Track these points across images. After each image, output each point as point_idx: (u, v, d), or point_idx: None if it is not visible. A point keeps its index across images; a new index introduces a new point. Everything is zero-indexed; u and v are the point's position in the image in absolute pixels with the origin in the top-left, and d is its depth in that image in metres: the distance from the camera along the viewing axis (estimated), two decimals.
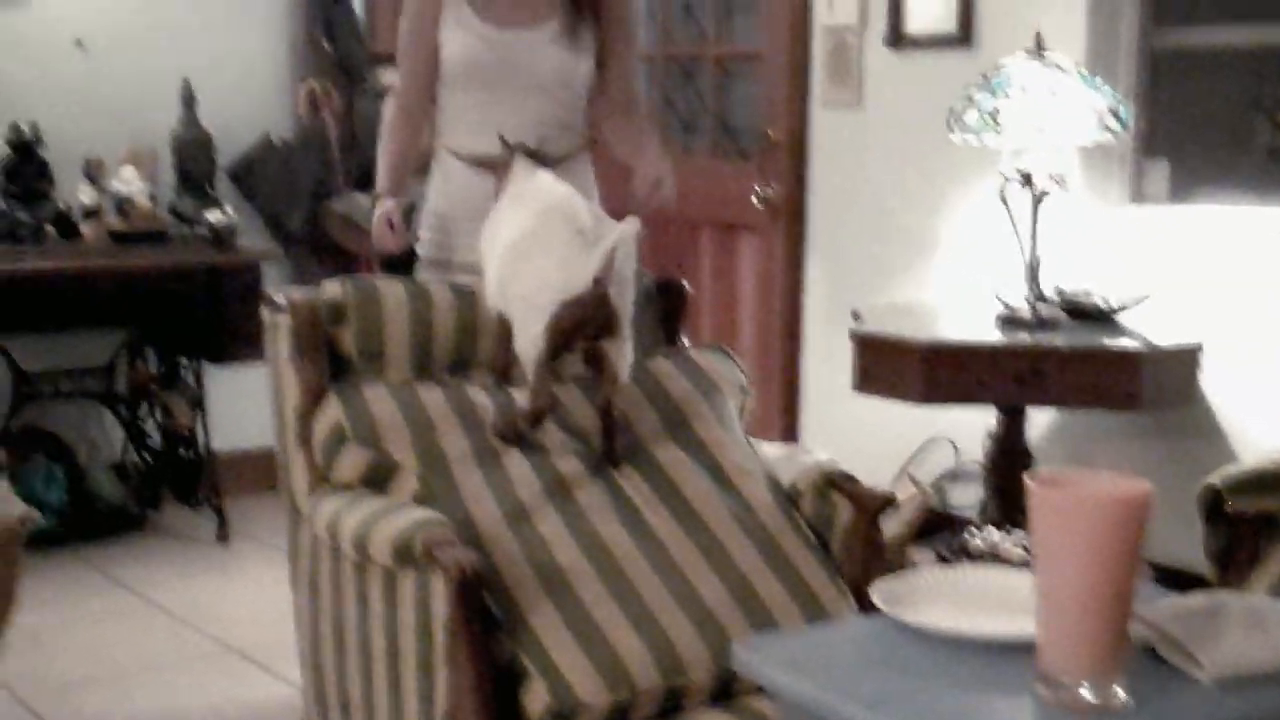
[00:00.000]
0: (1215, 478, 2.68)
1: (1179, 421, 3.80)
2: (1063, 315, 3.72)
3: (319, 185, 5.03)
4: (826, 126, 4.66)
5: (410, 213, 3.30)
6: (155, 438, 4.87)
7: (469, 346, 2.77)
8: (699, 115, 5.28)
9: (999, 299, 3.77)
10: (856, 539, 2.61)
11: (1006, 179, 3.70)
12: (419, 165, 3.39)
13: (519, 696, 2.22)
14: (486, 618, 2.27)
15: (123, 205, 4.63)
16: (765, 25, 4.85)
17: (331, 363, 2.67)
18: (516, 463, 2.54)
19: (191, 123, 4.86)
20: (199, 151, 4.87)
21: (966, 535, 3.77)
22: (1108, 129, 3.60)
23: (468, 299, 2.78)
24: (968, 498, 4.21)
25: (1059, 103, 3.57)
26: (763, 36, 4.87)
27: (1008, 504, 3.72)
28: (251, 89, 5.16)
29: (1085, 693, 1.63)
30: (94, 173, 4.65)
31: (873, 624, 1.94)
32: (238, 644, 3.84)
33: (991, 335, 3.64)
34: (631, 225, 2.48)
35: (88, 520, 4.68)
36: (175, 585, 4.30)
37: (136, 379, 4.80)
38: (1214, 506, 2.67)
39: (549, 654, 2.25)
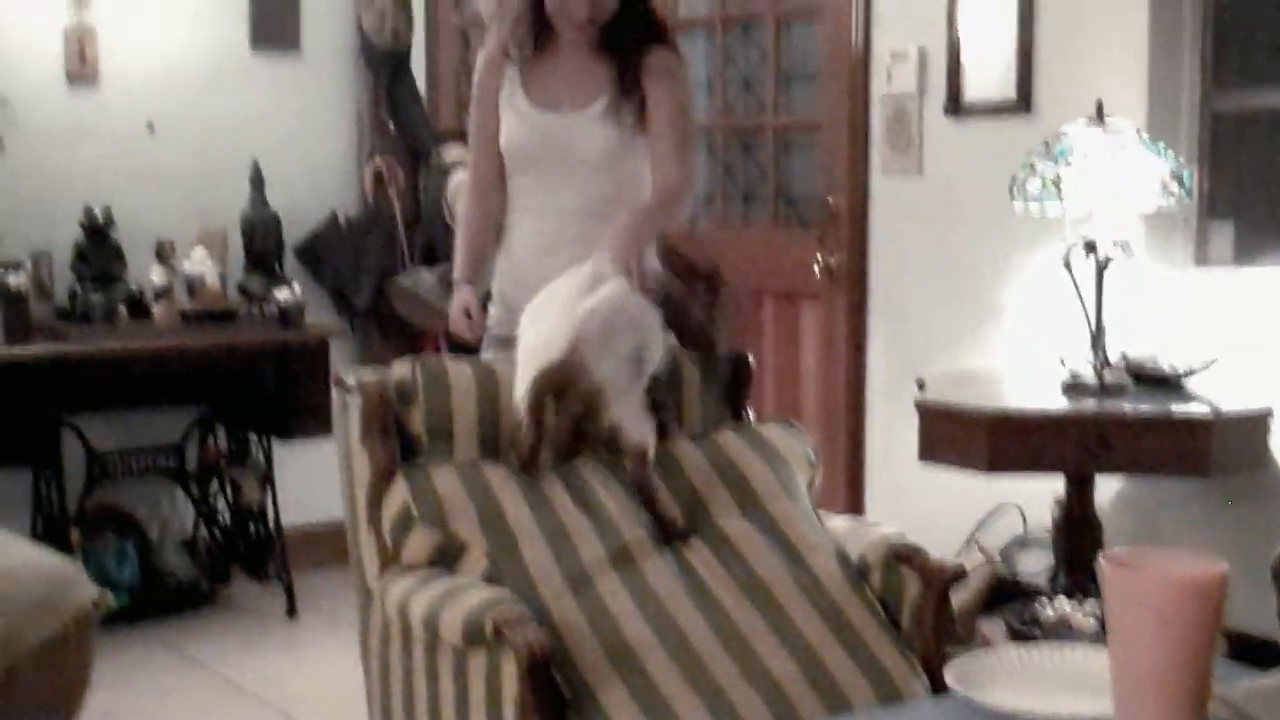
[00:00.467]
0: None
1: (1250, 486, 3.76)
2: (1129, 381, 3.70)
3: (385, 261, 5.08)
4: (887, 194, 4.67)
5: (488, 300, 3.32)
6: (225, 514, 4.92)
7: None
8: (759, 185, 5.31)
9: (1064, 365, 3.75)
10: (926, 612, 2.60)
11: (1070, 245, 3.69)
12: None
13: None
14: (556, 695, 2.28)
15: (193, 285, 4.70)
16: (824, 95, 4.88)
17: (401, 442, 2.70)
18: (584, 538, 2.56)
19: (260, 203, 4.94)
20: (267, 231, 4.94)
21: (1037, 605, 3.73)
22: (1170, 194, 3.59)
23: None
24: (1037, 566, 4.16)
25: (1121, 169, 3.57)
26: (822, 106, 4.90)
27: (1077, 572, 3.68)
28: (318, 168, 5.24)
29: None
30: (165, 254, 4.71)
31: (946, 705, 1.93)
32: (307, 719, 3.85)
33: (1057, 403, 3.62)
34: (616, 289, 2.54)
35: (158, 596, 4.72)
36: (245, 660, 4.33)
37: (207, 456, 4.86)
38: None
39: None
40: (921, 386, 3.82)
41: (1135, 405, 3.54)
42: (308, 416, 4.58)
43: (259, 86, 5.13)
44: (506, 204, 3.25)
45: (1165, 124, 3.95)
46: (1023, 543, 4.24)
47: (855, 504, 4.74)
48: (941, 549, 2.75)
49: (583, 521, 2.60)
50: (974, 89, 4.36)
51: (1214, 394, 3.61)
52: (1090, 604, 3.58)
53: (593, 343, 2.56)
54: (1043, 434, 3.51)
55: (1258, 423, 3.59)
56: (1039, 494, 3.95)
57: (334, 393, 2.81)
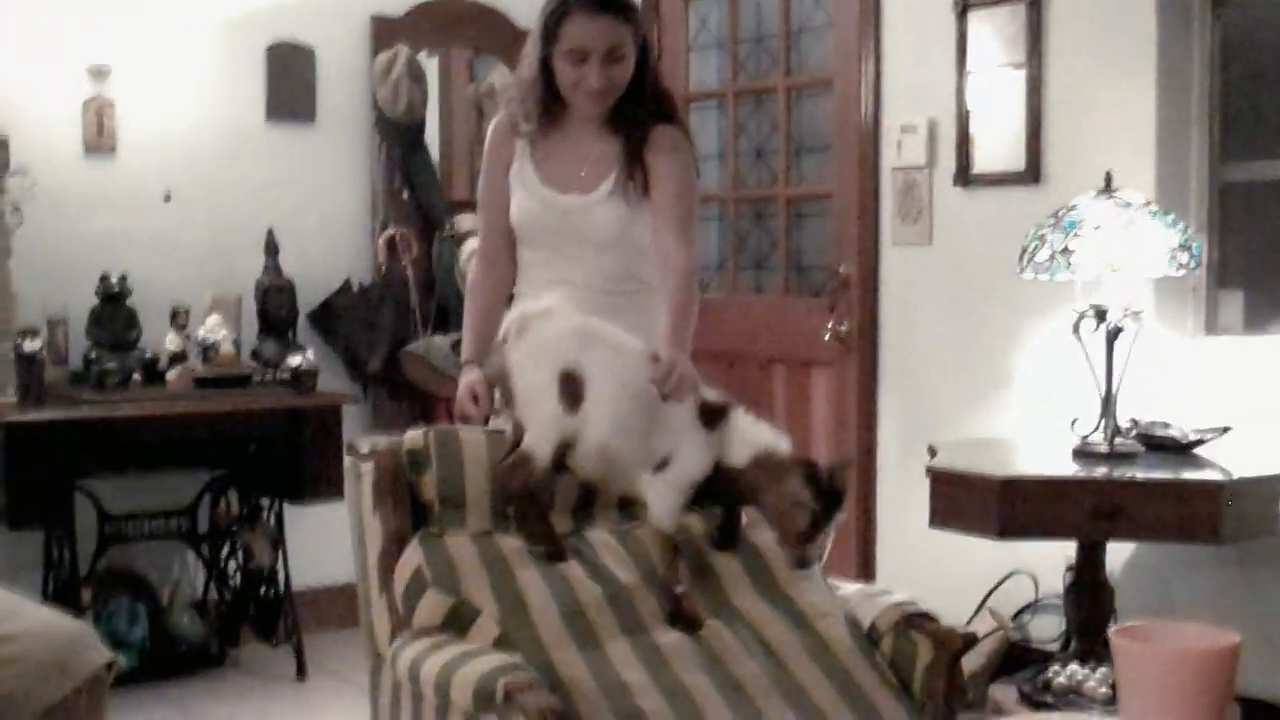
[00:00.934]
0: None
1: (1262, 552, 3.75)
2: (1140, 448, 3.70)
3: (398, 328, 5.12)
4: (897, 264, 4.70)
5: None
6: (235, 576, 4.92)
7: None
8: (770, 254, 5.35)
9: (1075, 432, 3.76)
10: (937, 678, 2.59)
11: (1080, 314, 3.71)
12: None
13: None
14: None
15: (207, 351, 4.72)
16: (835, 166, 4.93)
17: (412, 509, 2.71)
18: (596, 607, 2.56)
19: (274, 270, 4.98)
20: (281, 298, 4.97)
21: (1049, 671, 3.72)
22: (1180, 264, 3.61)
23: None
24: (1048, 632, 4.16)
25: (1131, 239, 3.59)
26: (833, 177, 4.94)
27: (1089, 638, 3.67)
28: (332, 236, 5.28)
29: None
30: (179, 320, 4.75)
31: None
32: None
33: (1068, 469, 3.62)
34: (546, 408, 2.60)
35: (169, 658, 4.72)
36: None
37: (218, 519, 4.87)
38: None
39: None
40: (933, 453, 3.83)
41: (1146, 471, 3.54)
42: (319, 480, 4.59)
43: (274, 156, 5.18)
44: (517, 274, 3.27)
45: (1174, 195, 3.98)
46: (1034, 608, 4.23)
47: (867, 570, 4.74)
48: (953, 615, 2.75)
49: (595, 590, 2.60)
50: (983, 160, 4.40)
51: (1225, 460, 3.61)
52: (1102, 670, 3.57)
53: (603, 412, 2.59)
54: (1053, 500, 3.51)
55: (1269, 488, 3.60)
56: (1051, 559, 3.95)
57: (346, 459, 2.82)
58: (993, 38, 4.34)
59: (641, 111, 3.10)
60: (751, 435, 2.60)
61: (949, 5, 4.44)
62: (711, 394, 2.66)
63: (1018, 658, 4.12)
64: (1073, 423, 3.77)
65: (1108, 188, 3.69)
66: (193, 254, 5.00)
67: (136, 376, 4.66)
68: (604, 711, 2.36)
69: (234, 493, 4.90)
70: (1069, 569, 3.78)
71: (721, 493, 2.65)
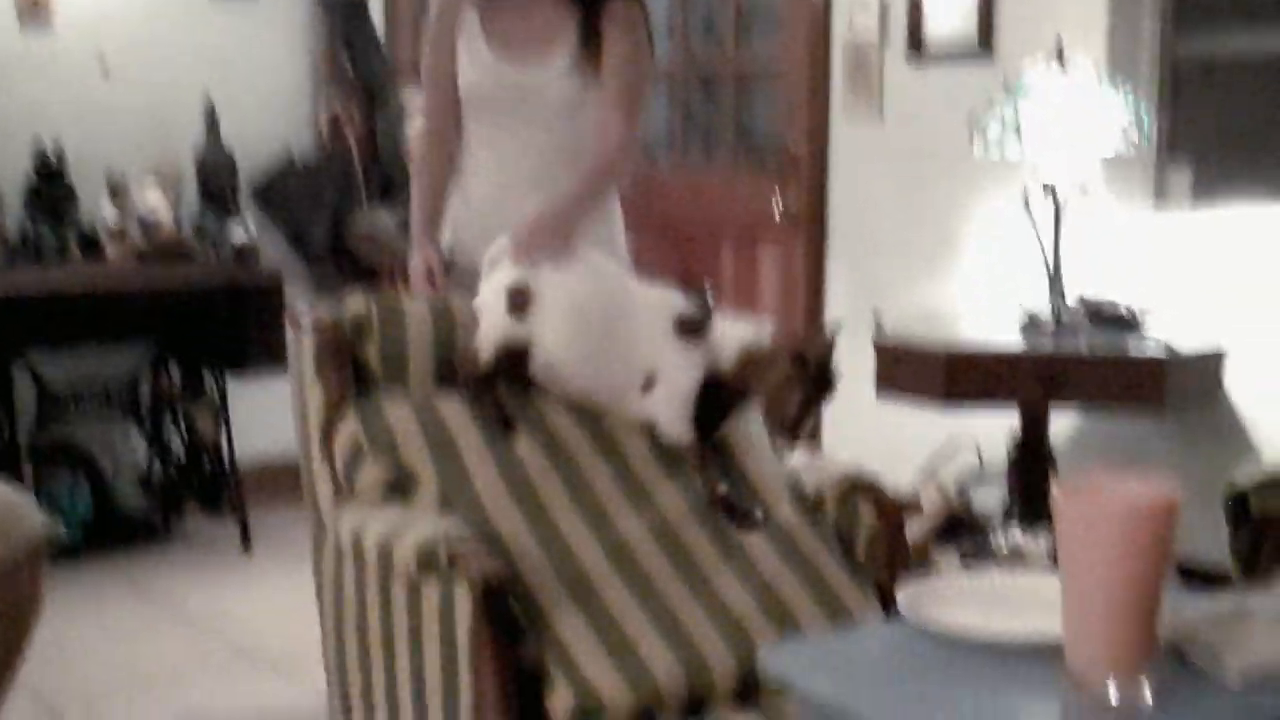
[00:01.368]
0: (1240, 479, 2.68)
1: (1203, 424, 3.79)
2: (1086, 321, 3.72)
3: (341, 202, 5.06)
4: (847, 139, 4.66)
5: (452, 265, 3.27)
6: (179, 450, 4.90)
7: None
8: (719, 129, 5.29)
9: (1022, 306, 3.76)
10: (881, 543, 2.62)
11: (1029, 188, 3.70)
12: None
13: (543, 700, 2.23)
14: (511, 623, 2.28)
15: (147, 224, 4.66)
16: (785, 40, 4.86)
17: (355, 377, 2.68)
18: (539, 469, 2.55)
19: (214, 142, 4.90)
20: (222, 170, 4.90)
21: (991, 537, 3.76)
22: (1129, 137, 3.60)
23: None
24: (991, 500, 4.20)
25: (1081, 112, 3.57)
26: (783, 51, 4.88)
27: (1031, 506, 3.71)
28: (273, 108, 5.19)
29: (1111, 694, 1.63)
30: (118, 193, 4.68)
31: (897, 628, 1.94)
32: (262, 652, 3.85)
33: (1014, 340, 3.64)
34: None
35: (112, 531, 4.71)
36: (199, 594, 4.33)
37: (160, 392, 4.83)
38: (1239, 508, 2.66)
39: (573, 658, 2.26)
40: (880, 325, 3.83)
41: (1091, 344, 3.56)
42: (262, 353, 4.55)
43: (214, 27, 5.07)
44: (463, 148, 3.21)
45: (1125, 66, 3.95)
46: (979, 479, 4.27)
47: (814, 440, 4.75)
48: (898, 484, 2.77)
49: (540, 458, 2.59)
50: (934, 32, 4.35)
51: (1170, 334, 3.63)
52: (1044, 536, 3.61)
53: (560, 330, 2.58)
54: (999, 371, 3.53)
55: (1211, 362, 3.62)
56: (995, 431, 3.97)
57: (288, 327, 2.78)
58: None
59: None
60: (734, 335, 2.58)
61: None
62: (689, 307, 2.63)
63: (961, 526, 4.16)
64: (1019, 299, 3.77)
65: (1058, 57, 3.66)
66: (131, 127, 4.91)
67: (75, 250, 4.59)
68: (546, 571, 2.37)
69: (175, 365, 4.86)
70: (1012, 438, 3.81)
71: (717, 399, 2.63)
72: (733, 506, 2.60)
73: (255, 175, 5.07)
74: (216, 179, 4.90)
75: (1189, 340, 3.60)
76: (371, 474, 2.55)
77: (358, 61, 5.20)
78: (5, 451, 4.46)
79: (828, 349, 2.55)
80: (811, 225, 4.75)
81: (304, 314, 2.76)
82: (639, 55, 3.09)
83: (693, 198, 5.17)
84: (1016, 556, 3.61)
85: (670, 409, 2.59)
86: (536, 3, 3.08)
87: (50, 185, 4.62)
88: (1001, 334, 3.71)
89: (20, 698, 3.23)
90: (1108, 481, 1.69)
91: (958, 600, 1.97)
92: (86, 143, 4.76)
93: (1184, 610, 1.83)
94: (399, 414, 2.60)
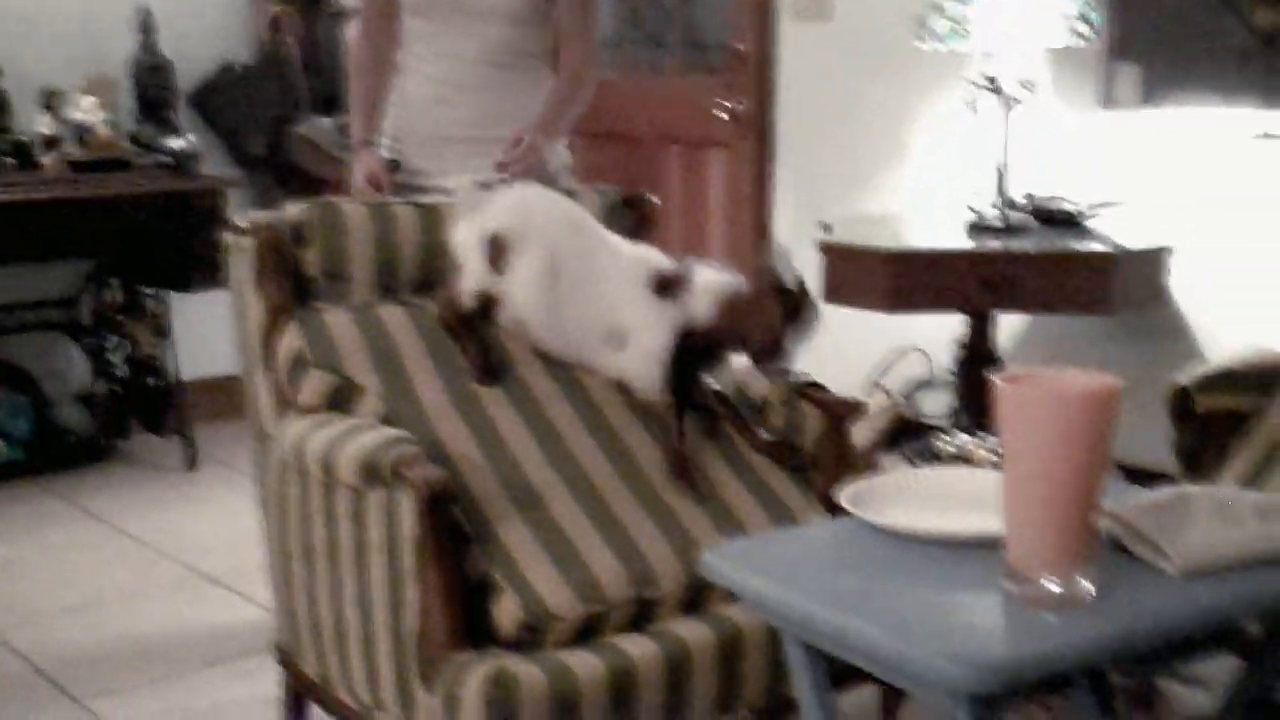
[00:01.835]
0: (1183, 377, 2.69)
1: (1147, 324, 3.81)
2: (1032, 221, 3.71)
3: (281, 109, 4.97)
4: (794, 39, 4.61)
5: (397, 166, 3.21)
6: (121, 367, 4.83)
7: (433, 266, 2.74)
8: (665, 31, 5.22)
9: (968, 206, 3.75)
10: (826, 446, 2.61)
11: (975, 86, 3.67)
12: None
13: (490, 611, 2.21)
14: (457, 534, 2.26)
15: (82, 134, 4.56)
16: None
17: (295, 285, 2.63)
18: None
19: (150, 49, 4.79)
20: (158, 78, 4.80)
21: (937, 441, 3.77)
22: (1077, 33, 3.57)
23: (431, 218, 2.75)
24: (939, 406, 4.21)
25: (1028, 7, 3.53)
26: None
27: (977, 410, 3.72)
28: (210, 13, 5.08)
29: (1052, 586, 1.63)
30: (52, 102, 4.57)
31: (840, 526, 1.94)
32: (207, 569, 3.83)
33: (961, 242, 3.62)
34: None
35: (55, 451, 4.66)
36: (144, 513, 4.29)
37: (101, 309, 4.76)
38: (1182, 406, 2.67)
39: (520, 568, 2.24)
40: (826, 229, 3.81)
41: (1038, 244, 3.55)
42: (204, 268, 4.46)
43: None
44: (401, 47, 3.16)
45: None
46: (926, 385, 4.27)
47: None
48: (846, 391, 2.75)
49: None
50: None
51: (1116, 233, 3.63)
52: (989, 439, 3.62)
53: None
54: (945, 272, 3.51)
55: (1157, 260, 3.63)
56: (944, 339, 3.97)
57: (226, 235, 2.73)
58: None
59: None
60: (708, 288, 2.52)
61: None
62: (665, 263, 2.59)
63: (908, 431, 4.17)
64: (966, 199, 3.75)
65: None
66: (63, 34, 4.79)
67: (11, 161, 4.49)
68: (491, 482, 2.35)
69: (116, 282, 4.79)
70: (959, 343, 3.81)
71: (693, 354, 2.58)
72: (692, 472, 2.56)
73: (193, 83, 4.97)
74: (153, 88, 4.80)
75: (1135, 239, 3.59)
76: (314, 385, 2.52)
77: None
78: None
79: (800, 276, 2.52)
80: (759, 127, 4.71)
81: (243, 220, 2.71)
82: None
83: (639, 102, 5.11)
84: (963, 459, 3.63)
85: (644, 366, 2.55)
86: None
87: None
88: (948, 236, 3.69)
89: None
90: (1048, 372, 1.69)
91: (900, 498, 1.97)
92: (19, 52, 4.64)
93: (1125, 503, 1.83)
94: (341, 323, 2.57)
